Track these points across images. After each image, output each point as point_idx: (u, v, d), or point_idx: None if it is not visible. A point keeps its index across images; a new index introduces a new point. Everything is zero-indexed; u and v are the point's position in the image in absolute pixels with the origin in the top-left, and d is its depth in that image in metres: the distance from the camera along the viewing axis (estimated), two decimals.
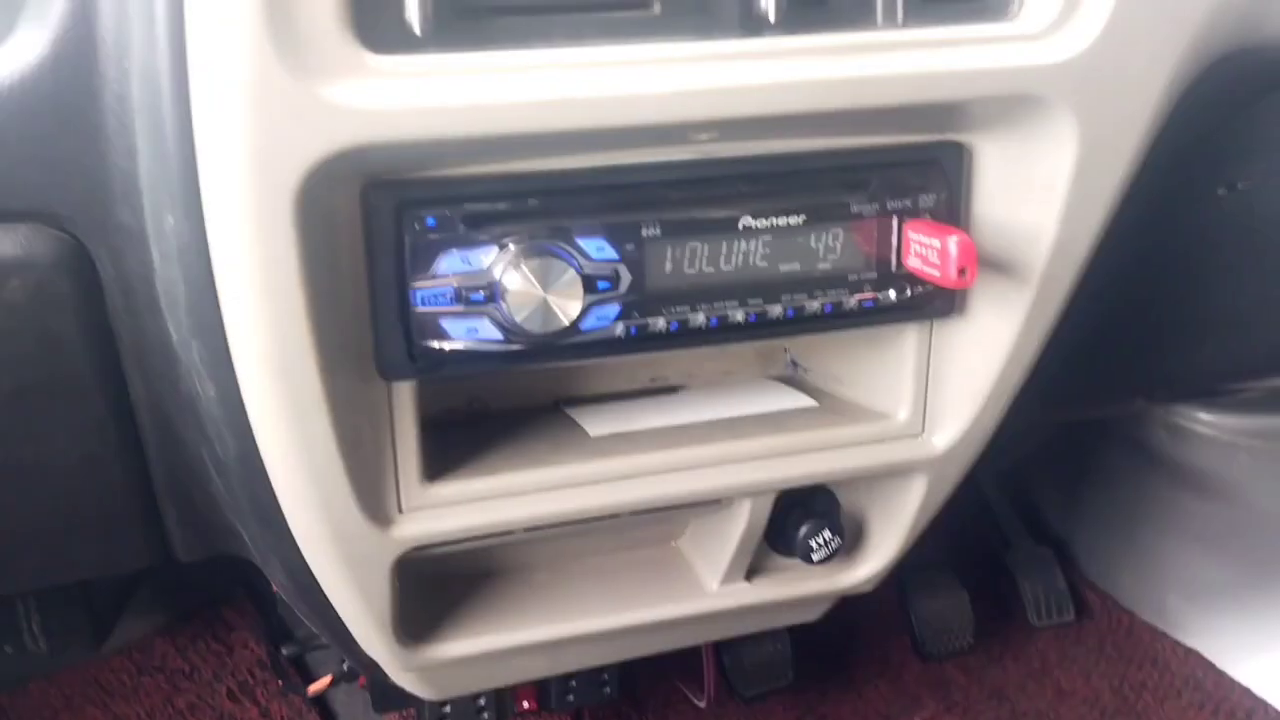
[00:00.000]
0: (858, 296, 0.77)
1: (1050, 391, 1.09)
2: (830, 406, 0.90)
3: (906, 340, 0.84)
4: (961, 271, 0.72)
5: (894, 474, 0.89)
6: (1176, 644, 1.60)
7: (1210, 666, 1.56)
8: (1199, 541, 1.62)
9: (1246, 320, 0.90)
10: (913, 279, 0.77)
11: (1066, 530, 1.79)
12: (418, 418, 0.75)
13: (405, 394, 0.73)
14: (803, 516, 0.91)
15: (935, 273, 0.73)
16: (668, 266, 0.73)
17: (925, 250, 0.74)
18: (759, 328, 0.76)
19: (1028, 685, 1.62)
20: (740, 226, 0.74)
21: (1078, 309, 0.83)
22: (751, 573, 0.94)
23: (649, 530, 0.96)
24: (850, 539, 0.97)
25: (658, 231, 0.72)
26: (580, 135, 0.66)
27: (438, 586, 0.89)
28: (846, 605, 1.33)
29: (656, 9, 0.68)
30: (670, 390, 0.95)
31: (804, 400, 0.90)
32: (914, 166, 0.77)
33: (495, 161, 0.69)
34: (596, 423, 0.87)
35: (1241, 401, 1.50)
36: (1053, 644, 1.68)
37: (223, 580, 1.61)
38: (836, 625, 1.18)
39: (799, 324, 0.77)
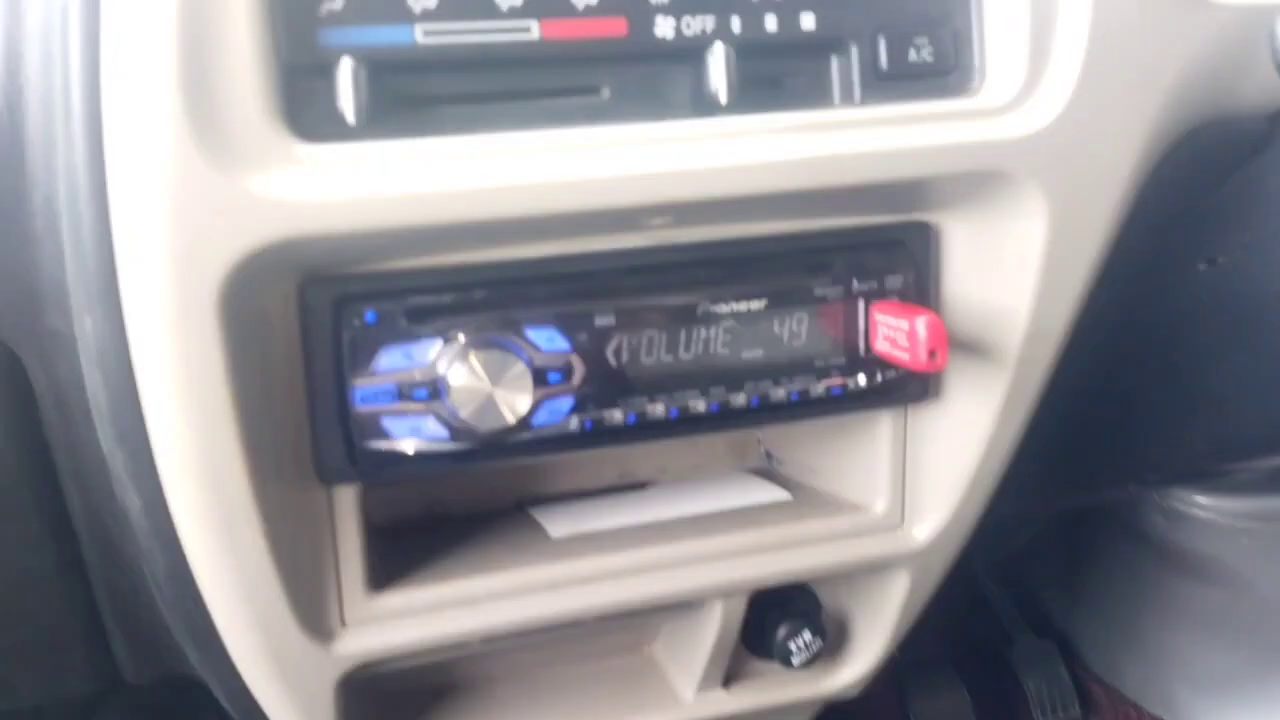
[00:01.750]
0: (825, 383, 0.73)
1: (1036, 478, 1.05)
2: (805, 499, 0.85)
3: (881, 428, 0.81)
4: (931, 354, 0.68)
5: (874, 569, 0.84)
6: None
7: None
8: (1203, 629, 1.57)
9: (1231, 400, 0.86)
10: (883, 364, 0.74)
11: (1068, 622, 1.74)
12: (362, 523, 0.71)
13: (347, 498, 0.69)
14: (781, 617, 0.86)
15: (905, 356, 0.70)
16: (624, 356, 0.69)
17: (893, 333, 0.71)
18: (723, 418, 0.72)
19: None
20: (699, 313, 0.70)
21: (1060, 391, 0.79)
22: (729, 679, 0.89)
23: (620, 637, 0.91)
24: (833, 640, 0.92)
25: (612, 320, 0.68)
26: (526, 223, 0.63)
27: (393, 705, 0.84)
28: (841, 709, 1.28)
29: (605, 94, 0.65)
30: (639, 487, 0.90)
31: (777, 493, 0.86)
32: (879, 248, 0.74)
33: (440, 253, 0.66)
34: (559, 523, 0.82)
35: (1240, 483, 1.46)
36: None
37: (189, 704, 1.55)
38: None
39: (765, 413, 0.73)
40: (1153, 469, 0.98)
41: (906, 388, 0.77)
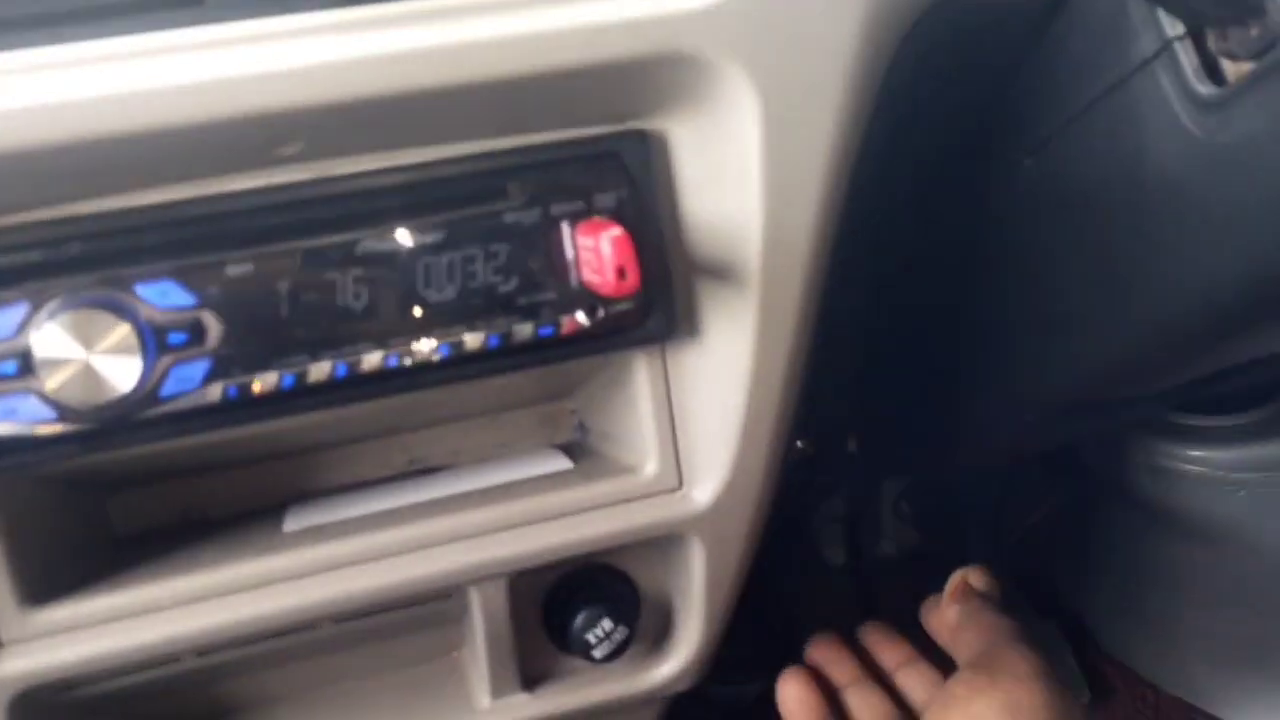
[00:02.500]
0: (531, 323, 0.63)
1: (920, 426, 0.93)
2: (587, 469, 0.74)
3: (638, 377, 0.70)
4: (621, 272, 0.57)
5: (657, 540, 0.73)
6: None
7: None
8: (1210, 597, 1.42)
9: (1082, 309, 0.73)
10: (601, 298, 0.63)
11: (1078, 603, 1.59)
12: (4, 528, 0.62)
13: None
14: (579, 606, 0.76)
15: (598, 279, 0.59)
16: (271, 309, 0.59)
17: (589, 256, 0.60)
18: (406, 374, 0.62)
19: None
20: (360, 253, 0.60)
21: (892, 321, 0.68)
22: (534, 681, 0.78)
23: (417, 641, 0.81)
24: (656, 630, 0.80)
25: (250, 268, 0.59)
26: (116, 155, 0.54)
27: None
28: None
29: (212, 1, 0.56)
30: (427, 473, 0.80)
31: (558, 464, 0.76)
32: (584, 162, 0.63)
33: (27, 208, 0.57)
34: (302, 517, 0.73)
35: (1234, 431, 1.31)
36: None
37: None
38: None
39: (460, 365, 0.63)
40: (1025, 403, 0.84)
41: (646, 324, 0.66)
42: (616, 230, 0.57)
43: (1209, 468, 1.35)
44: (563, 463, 0.76)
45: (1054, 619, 1.56)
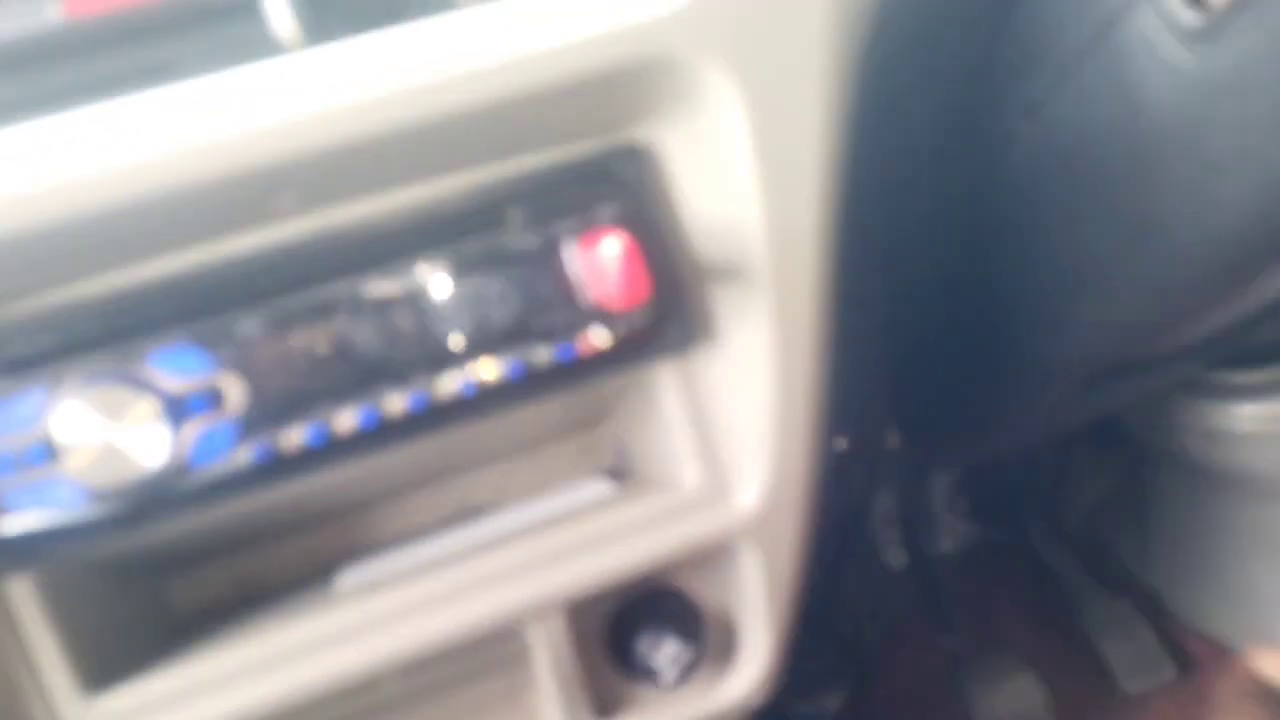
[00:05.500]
0: (548, 347, 0.62)
1: (957, 411, 0.92)
2: (630, 490, 0.74)
3: (663, 390, 0.69)
4: (628, 283, 0.58)
5: (711, 552, 0.72)
6: None
7: None
8: None
9: (1105, 265, 0.72)
10: (616, 313, 0.63)
11: (1150, 578, 1.56)
12: (60, 618, 0.62)
13: (22, 592, 0.60)
14: (640, 630, 0.75)
15: (608, 294, 0.59)
16: (288, 365, 0.59)
17: (595, 272, 0.60)
18: (437, 416, 0.62)
19: None
20: (369, 298, 0.60)
21: (916, 309, 0.67)
22: (608, 708, 0.77)
23: (486, 690, 0.80)
24: (722, 647, 0.79)
25: (260, 326, 0.59)
26: (109, 229, 0.55)
27: None
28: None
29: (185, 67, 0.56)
30: (475, 515, 0.80)
31: (601, 490, 0.75)
32: (578, 181, 0.63)
33: (34, 292, 0.57)
34: (355, 574, 0.72)
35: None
36: (1170, 707, 1.44)
37: None
38: None
39: (487, 399, 0.63)
40: (1060, 372, 0.83)
41: (665, 335, 0.65)
42: (619, 241, 0.57)
43: (1262, 423, 1.33)
44: (605, 487, 0.75)
45: (1127, 597, 1.53)
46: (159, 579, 0.73)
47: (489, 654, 0.75)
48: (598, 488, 0.76)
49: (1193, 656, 1.48)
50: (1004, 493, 1.65)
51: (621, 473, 0.80)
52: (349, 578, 0.72)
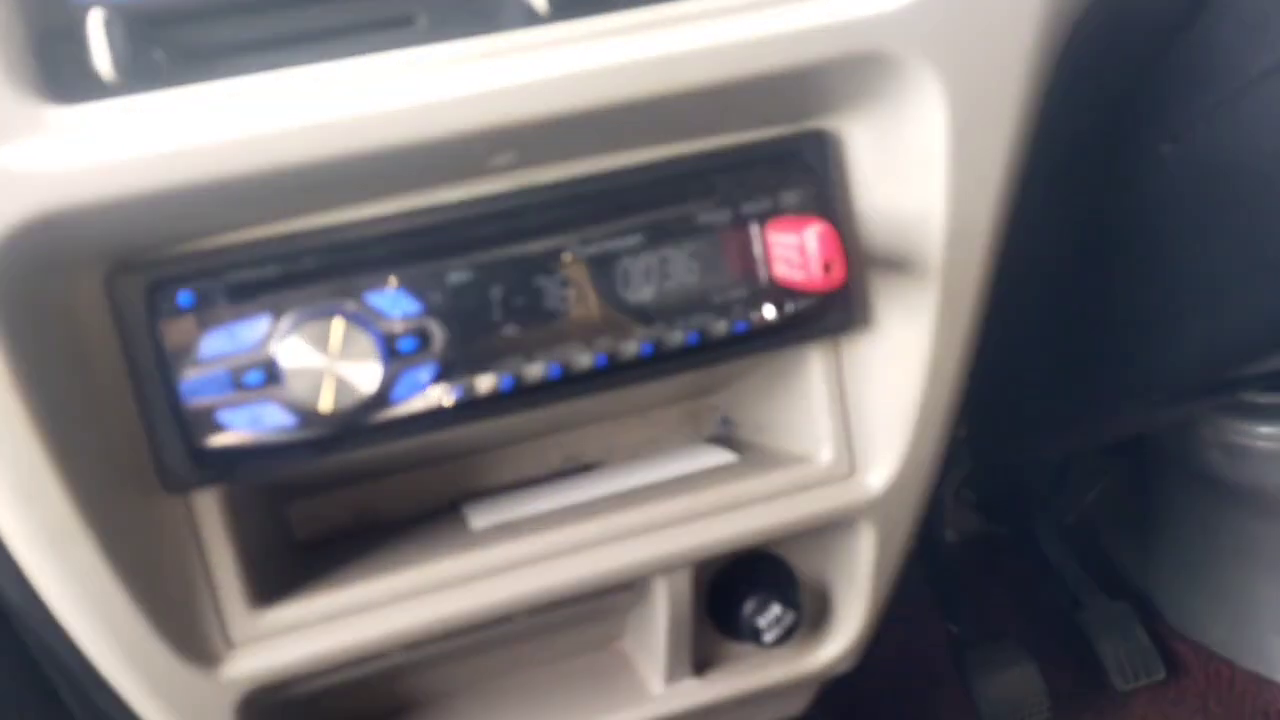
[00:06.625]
0: (726, 320, 0.66)
1: (1038, 409, 0.95)
2: (753, 459, 0.77)
3: (812, 368, 0.72)
4: (827, 267, 0.60)
5: (831, 526, 0.76)
6: None
7: None
8: None
9: (1224, 289, 0.76)
10: (790, 292, 0.66)
11: (1145, 580, 1.62)
12: (236, 532, 0.64)
13: (209, 505, 0.63)
14: (747, 592, 0.78)
15: (801, 275, 0.62)
16: (488, 314, 0.62)
17: (788, 252, 0.63)
18: (616, 372, 0.65)
19: None
20: (567, 258, 0.63)
21: (1017, 306, 0.71)
22: (704, 666, 0.81)
23: (586, 635, 0.84)
24: (814, 613, 0.83)
25: (468, 276, 0.62)
26: (341, 170, 0.57)
27: None
28: (902, 697, 1.16)
29: (423, 23, 0.58)
30: (585, 469, 0.83)
31: (722, 456, 0.78)
32: (770, 163, 0.66)
33: (265, 223, 0.60)
34: (485, 514, 0.75)
35: None
36: (1150, 708, 1.50)
37: None
38: None
39: (662, 362, 0.66)
40: (1155, 385, 0.87)
41: (826, 317, 0.69)
42: (822, 226, 0.60)
43: (1278, 443, 1.39)
44: (727, 456, 0.79)
45: (1124, 599, 1.58)
46: (283, 504, 0.75)
47: (601, 602, 0.78)
48: (718, 455, 0.79)
49: (1182, 661, 1.54)
50: (1010, 487, 1.69)
51: (729, 442, 0.83)
52: (481, 518, 0.75)
